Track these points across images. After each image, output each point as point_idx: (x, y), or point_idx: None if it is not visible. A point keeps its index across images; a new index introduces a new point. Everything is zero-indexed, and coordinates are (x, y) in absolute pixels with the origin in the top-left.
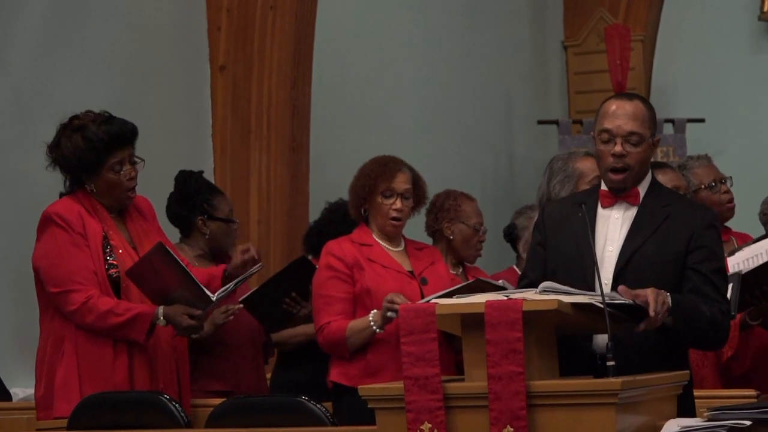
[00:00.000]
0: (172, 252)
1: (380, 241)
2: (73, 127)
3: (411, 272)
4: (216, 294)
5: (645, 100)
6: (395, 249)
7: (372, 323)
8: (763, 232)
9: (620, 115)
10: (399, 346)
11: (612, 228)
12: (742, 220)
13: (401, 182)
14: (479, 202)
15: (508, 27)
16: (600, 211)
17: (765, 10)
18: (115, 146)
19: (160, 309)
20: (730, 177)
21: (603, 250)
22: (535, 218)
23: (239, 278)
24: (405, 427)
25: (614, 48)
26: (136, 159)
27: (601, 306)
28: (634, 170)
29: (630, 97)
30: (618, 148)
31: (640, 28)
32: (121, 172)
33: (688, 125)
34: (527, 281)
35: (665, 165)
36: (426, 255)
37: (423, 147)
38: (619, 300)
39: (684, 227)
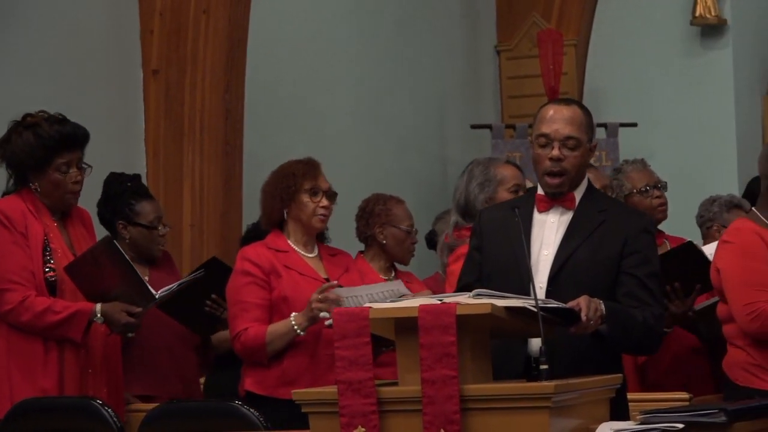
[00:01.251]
0: (118, 246)
1: (296, 248)
2: (25, 125)
3: (327, 279)
4: (159, 292)
5: (583, 106)
6: (310, 255)
7: (294, 326)
8: (700, 235)
9: (558, 119)
10: (316, 353)
11: (548, 232)
12: (674, 224)
13: (324, 180)
14: (412, 206)
15: (441, 31)
16: (536, 215)
17: (697, 14)
18: (65, 147)
19: (98, 306)
20: (665, 182)
21: (538, 254)
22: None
23: (183, 279)
24: (338, 431)
25: (547, 53)
26: (84, 164)
27: (535, 310)
28: (570, 174)
29: (568, 102)
30: (555, 152)
31: (573, 33)
32: (68, 174)
33: (621, 129)
34: (462, 284)
35: (589, 165)
36: (340, 261)
37: (356, 151)
38: (553, 304)
39: (618, 232)
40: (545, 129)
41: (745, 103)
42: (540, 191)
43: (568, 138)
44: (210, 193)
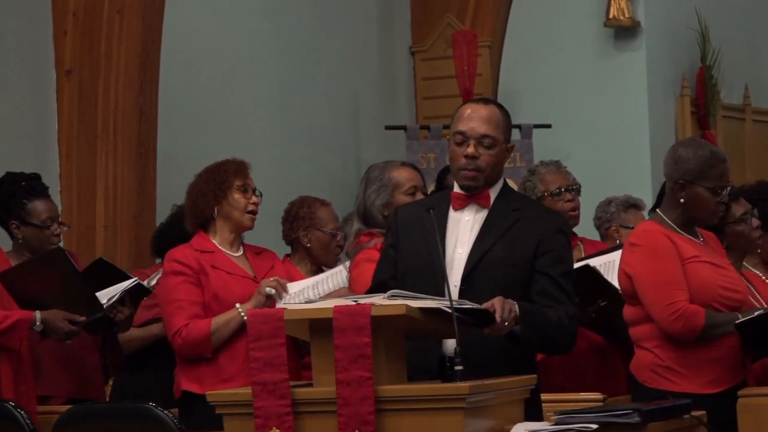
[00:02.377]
0: (69, 257)
1: (221, 248)
2: None
3: (254, 277)
4: (106, 303)
5: (501, 107)
6: (236, 254)
7: (240, 311)
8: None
9: (475, 118)
10: None
11: (462, 230)
12: (586, 226)
13: (252, 180)
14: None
15: (355, 32)
16: (451, 213)
17: (611, 16)
18: None
19: (38, 314)
20: (579, 185)
21: (453, 252)
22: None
23: (125, 286)
24: None
25: (461, 54)
26: None
27: (449, 311)
28: (485, 172)
29: (486, 102)
30: (470, 150)
31: (487, 34)
32: None
33: (535, 131)
34: (376, 282)
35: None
36: (265, 259)
37: (272, 152)
38: (467, 305)
39: (533, 231)
40: (462, 127)
41: (659, 105)
42: (456, 189)
43: (484, 136)
44: (123, 195)
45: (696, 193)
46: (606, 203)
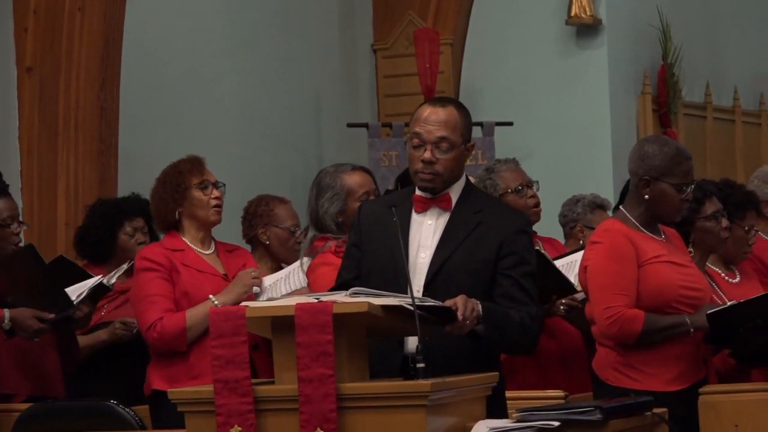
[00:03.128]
0: (39, 254)
1: (192, 246)
2: None
3: (225, 275)
4: (75, 300)
5: (460, 107)
6: (207, 252)
7: (215, 301)
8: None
9: (432, 120)
10: None
11: (425, 235)
12: (548, 224)
13: (211, 173)
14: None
15: (317, 30)
16: (414, 215)
17: (572, 14)
18: None
19: (6, 312)
20: (537, 181)
21: (416, 256)
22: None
23: (91, 284)
24: (215, 430)
25: (423, 51)
26: None
27: (411, 308)
28: (443, 176)
29: (445, 103)
30: (427, 155)
31: (449, 32)
32: None
33: (497, 128)
34: (340, 281)
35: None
36: (237, 257)
37: (233, 150)
38: (429, 302)
39: (495, 233)
40: (419, 129)
41: (620, 102)
42: (417, 192)
43: (441, 140)
44: (85, 192)
45: (661, 190)
46: (573, 202)
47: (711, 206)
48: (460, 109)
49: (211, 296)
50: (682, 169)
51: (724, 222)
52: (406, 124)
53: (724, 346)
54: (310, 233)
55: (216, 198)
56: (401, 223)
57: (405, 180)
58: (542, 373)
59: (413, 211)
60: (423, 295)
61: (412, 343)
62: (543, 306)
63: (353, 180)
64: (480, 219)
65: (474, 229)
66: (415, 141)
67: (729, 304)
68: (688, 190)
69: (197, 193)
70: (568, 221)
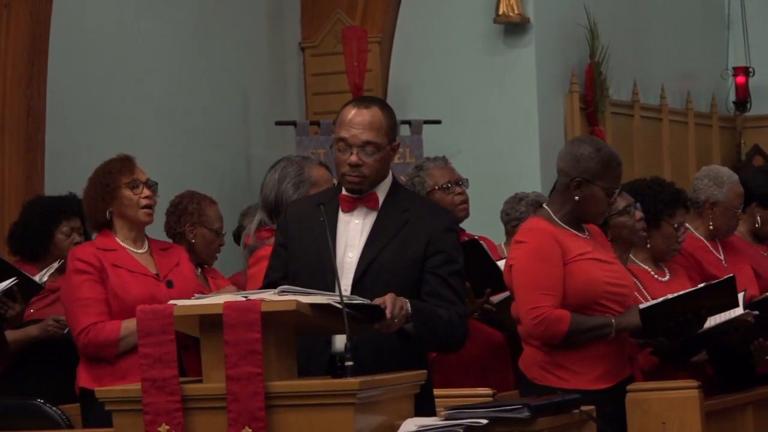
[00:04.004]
0: None
1: (125, 245)
2: None
3: (157, 275)
4: None
5: (384, 106)
6: (140, 251)
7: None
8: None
9: (357, 124)
10: None
11: (352, 234)
12: (477, 222)
13: (142, 172)
14: (216, 203)
15: (245, 27)
16: (341, 215)
17: (500, 12)
18: None
19: None
20: (467, 179)
21: (343, 255)
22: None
23: (5, 284)
24: (143, 429)
25: (351, 49)
26: None
27: (340, 307)
28: (370, 178)
29: (368, 104)
30: (353, 159)
31: (377, 30)
32: None
33: (425, 126)
34: (268, 281)
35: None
36: (171, 255)
37: (161, 147)
38: (358, 300)
39: (422, 232)
40: (344, 133)
41: (548, 101)
42: (344, 191)
43: (366, 143)
44: (11, 190)
45: (592, 193)
46: (516, 200)
47: (621, 201)
48: (385, 109)
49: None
50: (615, 174)
51: (638, 214)
52: (335, 122)
53: (657, 338)
54: (258, 216)
55: (146, 197)
56: (328, 223)
57: None
58: (465, 372)
59: (340, 210)
60: (351, 293)
61: (339, 341)
62: (476, 300)
63: (319, 173)
64: (407, 218)
65: (401, 227)
66: (341, 145)
67: (661, 299)
68: (615, 195)
69: (127, 193)
70: (510, 219)
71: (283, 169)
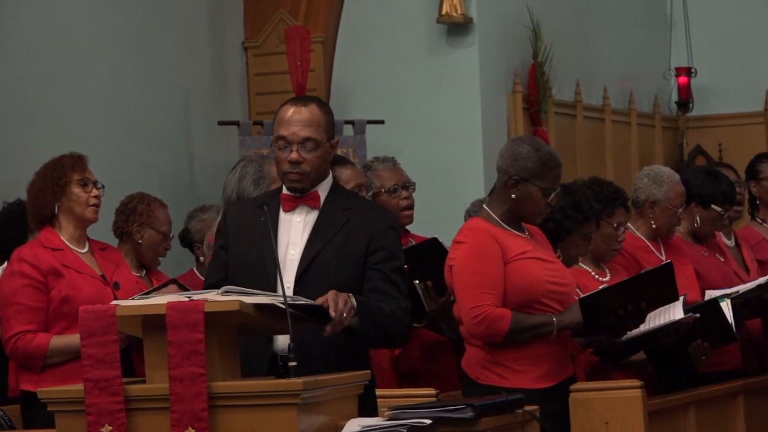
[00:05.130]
0: None
1: (69, 244)
2: None
3: (103, 276)
4: None
5: (322, 104)
6: (83, 251)
7: None
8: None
9: (295, 121)
10: None
11: (294, 232)
12: (421, 222)
13: (91, 173)
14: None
15: (187, 27)
16: (282, 215)
17: (443, 12)
18: None
19: None
20: (414, 183)
21: (285, 253)
22: (207, 220)
23: None
24: (85, 429)
25: (294, 49)
26: None
27: (283, 307)
28: (311, 175)
29: (306, 102)
30: (294, 156)
31: (321, 30)
32: None
33: (368, 126)
34: (209, 283)
35: (346, 161)
36: (110, 256)
37: (102, 147)
38: (302, 301)
39: (364, 230)
40: (283, 131)
41: (491, 101)
42: (285, 191)
43: (306, 140)
44: None
45: (529, 192)
46: (477, 204)
47: (588, 228)
48: (322, 107)
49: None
50: (552, 175)
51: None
52: (274, 122)
53: (599, 336)
54: (220, 218)
55: (95, 197)
56: (271, 222)
57: None
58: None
59: (281, 210)
60: (293, 290)
61: (280, 341)
62: (439, 299)
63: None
64: (349, 216)
65: (343, 225)
66: (281, 143)
67: (600, 287)
68: (553, 195)
69: (77, 189)
70: None
71: (242, 168)
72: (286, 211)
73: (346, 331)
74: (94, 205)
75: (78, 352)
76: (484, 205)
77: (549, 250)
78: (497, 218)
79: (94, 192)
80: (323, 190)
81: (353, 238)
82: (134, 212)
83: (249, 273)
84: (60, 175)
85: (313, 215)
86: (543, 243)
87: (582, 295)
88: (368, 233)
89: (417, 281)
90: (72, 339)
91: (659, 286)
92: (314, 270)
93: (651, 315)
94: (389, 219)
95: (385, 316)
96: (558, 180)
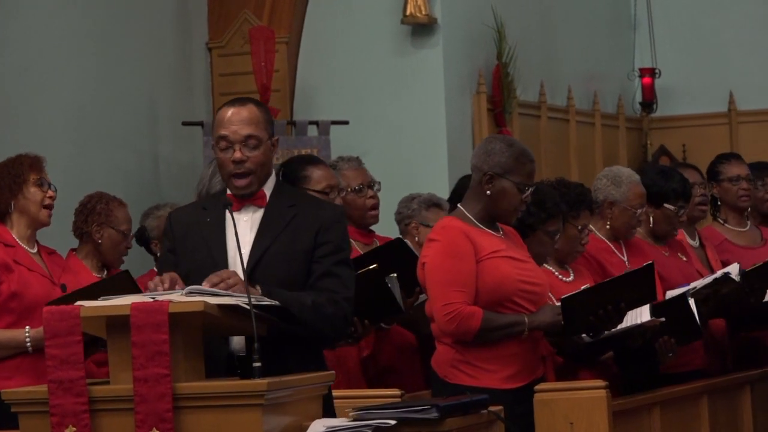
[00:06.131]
0: None
1: (20, 243)
2: None
3: (51, 276)
4: None
5: (259, 103)
6: (32, 251)
7: (27, 340)
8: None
9: (235, 120)
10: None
11: (242, 231)
12: (384, 223)
13: (47, 173)
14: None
15: (151, 28)
16: (228, 215)
17: (408, 13)
18: None
19: None
20: (379, 182)
21: (235, 252)
22: (162, 216)
23: None
24: (49, 431)
25: (259, 50)
26: None
27: (248, 308)
28: (256, 173)
29: (243, 102)
30: (237, 154)
31: (285, 30)
32: None
33: (333, 127)
34: None
35: (318, 161)
36: (57, 261)
37: (67, 148)
38: (266, 302)
39: (311, 224)
40: (224, 131)
41: (455, 101)
42: (230, 191)
43: (248, 137)
44: None
45: (503, 188)
46: (409, 199)
47: (553, 225)
48: (260, 106)
49: (27, 329)
50: (526, 170)
51: (557, 242)
52: (213, 126)
53: (575, 335)
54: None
55: (50, 198)
56: (217, 223)
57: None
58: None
59: (227, 210)
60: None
61: (236, 341)
62: (407, 299)
63: None
64: (295, 211)
65: (290, 220)
66: (223, 144)
67: (583, 288)
68: (528, 191)
69: (34, 188)
70: (403, 218)
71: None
72: (232, 211)
73: (286, 320)
74: (48, 206)
75: (21, 347)
76: (459, 205)
77: (523, 249)
78: (471, 217)
79: (50, 193)
80: (268, 188)
81: (301, 233)
82: (93, 212)
83: (200, 273)
84: (18, 172)
85: (260, 213)
86: (517, 243)
87: (564, 296)
88: (315, 227)
89: (394, 275)
90: (15, 334)
91: (639, 287)
92: (264, 266)
93: None
94: (336, 212)
95: (306, 308)
96: (532, 176)
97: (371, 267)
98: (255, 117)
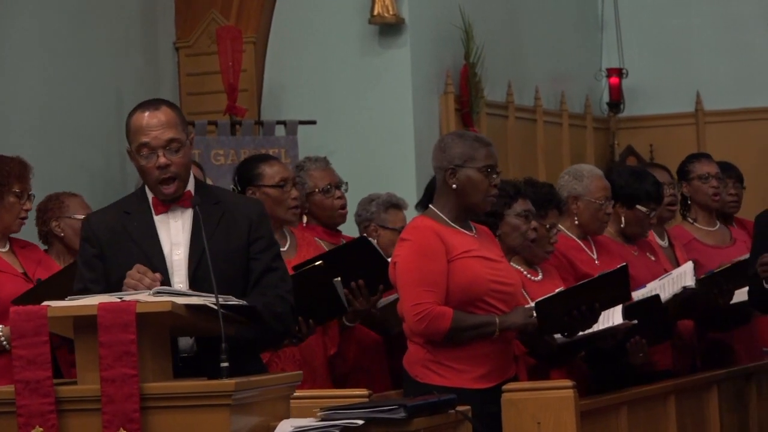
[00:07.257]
0: None
1: None
2: None
3: (25, 273)
4: None
5: (171, 104)
6: (3, 250)
7: (3, 339)
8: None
9: (154, 125)
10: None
11: (174, 233)
12: (352, 223)
13: (30, 183)
14: (89, 202)
15: (118, 27)
16: (156, 217)
17: (375, 13)
18: None
19: None
20: (346, 182)
21: (171, 255)
22: None
23: None
24: (16, 431)
25: (226, 49)
26: None
27: (215, 308)
28: (181, 176)
29: (156, 104)
30: (162, 160)
31: (252, 30)
32: None
33: (300, 127)
34: (80, 287)
35: (269, 157)
36: (31, 254)
37: (33, 147)
38: (234, 302)
39: (241, 221)
40: (145, 138)
41: (423, 102)
42: (151, 194)
43: (170, 141)
44: None
45: (467, 177)
46: (368, 201)
47: (522, 205)
48: (173, 106)
49: (1, 327)
50: (484, 153)
51: (533, 224)
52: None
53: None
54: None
55: (26, 210)
56: (146, 227)
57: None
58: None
59: (153, 214)
60: (189, 289)
61: (182, 341)
62: (371, 297)
63: None
64: (222, 209)
65: (220, 218)
66: (144, 151)
67: (557, 291)
68: (494, 175)
69: (12, 199)
70: (362, 220)
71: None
72: (158, 213)
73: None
74: (24, 218)
75: None
76: (430, 205)
77: (497, 248)
78: (443, 216)
79: (27, 206)
80: (191, 188)
81: (233, 230)
82: (47, 211)
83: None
84: (2, 180)
85: (188, 214)
86: (491, 242)
87: (539, 299)
88: (246, 222)
89: (338, 278)
90: None
91: (613, 288)
92: (205, 267)
93: None
94: (259, 206)
95: (265, 307)
96: (492, 157)
97: (316, 263)
98: (172, 119)
